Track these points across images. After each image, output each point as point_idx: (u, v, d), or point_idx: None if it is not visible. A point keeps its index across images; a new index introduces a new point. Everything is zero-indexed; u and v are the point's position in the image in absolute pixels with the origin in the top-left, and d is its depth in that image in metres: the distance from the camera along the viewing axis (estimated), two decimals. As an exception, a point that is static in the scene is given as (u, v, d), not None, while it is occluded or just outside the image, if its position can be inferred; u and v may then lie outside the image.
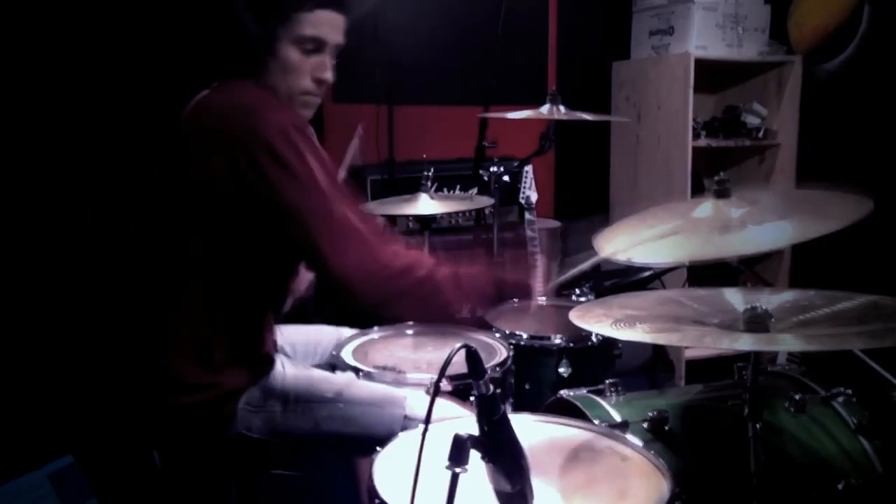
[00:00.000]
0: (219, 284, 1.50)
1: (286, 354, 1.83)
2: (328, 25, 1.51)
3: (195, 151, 1.49)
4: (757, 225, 1.29)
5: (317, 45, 1.51)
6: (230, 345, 1.52)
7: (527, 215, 2.64)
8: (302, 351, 1.89)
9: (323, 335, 1.96)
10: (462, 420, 1.33)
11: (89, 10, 2.56)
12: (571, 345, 2.08)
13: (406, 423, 1.53)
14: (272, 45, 1.48)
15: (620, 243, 1.36)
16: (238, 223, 1.45)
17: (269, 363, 1.60)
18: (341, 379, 1.66)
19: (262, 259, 1.51)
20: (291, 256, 1.61)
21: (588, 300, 2.29)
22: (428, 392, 1.62)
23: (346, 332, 1.99)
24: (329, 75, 1.55)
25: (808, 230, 1.23)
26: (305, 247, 1.43)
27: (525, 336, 2.09)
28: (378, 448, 1.25)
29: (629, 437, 1.30)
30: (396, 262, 1.46)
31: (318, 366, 1.85)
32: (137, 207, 1.57)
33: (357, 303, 1.45)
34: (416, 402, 1.57)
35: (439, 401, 1.58)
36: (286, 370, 1.59)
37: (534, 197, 2.64)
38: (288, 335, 1.87)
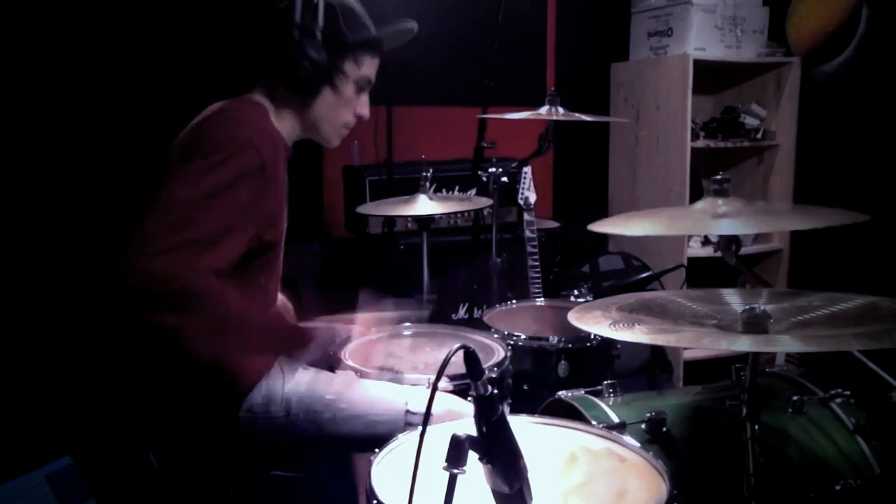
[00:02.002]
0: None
1: None
2: (375, 68, 1.66)
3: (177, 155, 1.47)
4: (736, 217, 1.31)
5: (366, 85, 1.65)
6: (232, 351, 1.51)
7: (525, 216, 2.64)
8: None
9: (315, 329, 1.95)
10: (460, 421, 1.33)
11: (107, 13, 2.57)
12: (570, 346, 2.08)
13: (408, 418, 1.53)
14: (334, 78, 1.58)
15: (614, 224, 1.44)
16: None
17: (268, 367, 1.59)
18: (341, 379, 1.66)
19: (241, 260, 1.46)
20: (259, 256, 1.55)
21: (586, 301, 2.29)
22: (427, 388, 1.63)
23: (341, 325, 1.97)
24: (367, 112, 1.68)
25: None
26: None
27: (523, 336, 2.10)
28: (377, 449, 1.25)
29: (627, 437, 1.30)
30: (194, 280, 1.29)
31: (314, 363, 1.85)
32: (138, 207, 1.56)
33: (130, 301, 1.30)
34: (417, 398, 1.58)
35: (440, 394, 1.59)
36: (285, 373, 1.59)
37: (532, 198, 2.65)
38: None
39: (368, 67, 1.63)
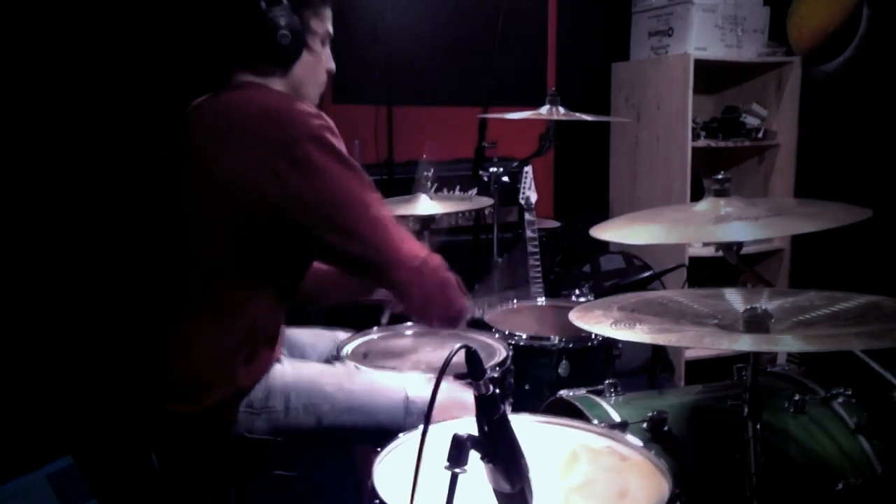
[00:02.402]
0: (233, 286, 1.48)
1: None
2: (330, 19, 1.64)
3: (222, 153, 1.46)
4: (743, 220, 1.30)
5: (327, 38, 1.64)
6: (240, 349, 1.51)
7: (526, 216, 2.64)
8: (299, 353, 1.89)
9: (319, 338, 1.96)
10: (461, 420, 1.33)
11: (92, 7, 2.56)
12: (571, 345, 2.08)
13: (408, 406, 1.53)
14: (307, 38, 1.58)
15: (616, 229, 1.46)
16: (264, 226, 1.44)
17: (272, 364, 1.59)
18: (341, 370, 1.66)
19: (280, 261, 1.50)
20: (307, 258, 1.60)
21: (587, 301, 2.29)
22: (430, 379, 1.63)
23: (343, 334, 1.99)
24: (333, 65, 1.68)
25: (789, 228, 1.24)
26: (360, 255, 1.46)
27: (524, 336, 2.10)
28: (379, 448, 1.25)
29: (629, 436, 1.30)
30: (423, 254, 1.51)
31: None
32: (142, 207, 1.57)
33: (409, 298, 1.52)
34: (416, 385, 1.57)
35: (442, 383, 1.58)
36: (285, 366, 1.58)
37: (533, 197, 2.65)
38: (284, 337, 1.87)
39: (327, 20, 1.62)
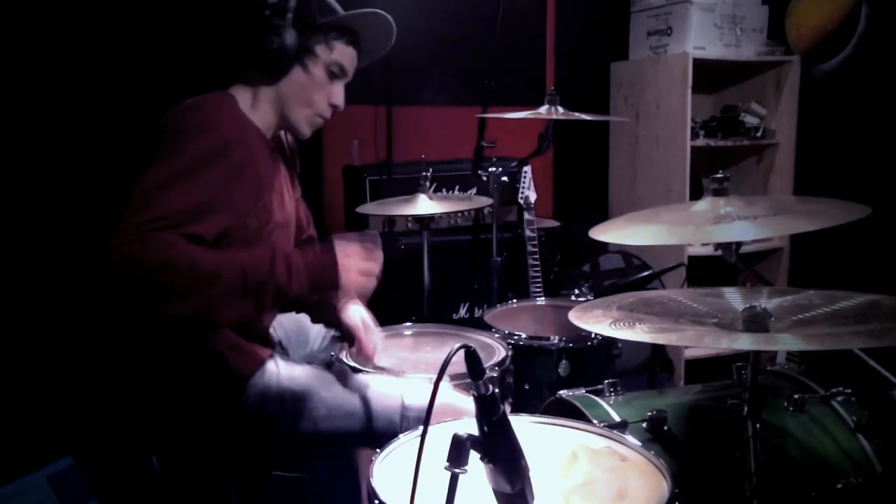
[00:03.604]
0: None
1: (282, 346, 1.83)
2: (351, 58, 1.65)
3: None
4: (743, 220, 1.31)
5: (340, 72, 1.64)
6: (229, 349, 1.52)
7: (525, 215, 2.64)
8: (295, 340, 1.89)
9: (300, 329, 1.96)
10: (462, 421, 1.33)
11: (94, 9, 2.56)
12: (570, 345, 2.08)
13: (405, 412, 1.53)
14: (304, 58, 1.59)
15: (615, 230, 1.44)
16: None
17: (265, 358, 1.59)
18: (337, 375, 1.66)
19: None
20: None
21: (587, 300, 2.29)
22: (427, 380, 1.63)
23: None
24: (343, 102, 1.67)
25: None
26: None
27: (524, 336, 2.10)
28: (377, 449, 1.25)
29: (628, 436, 1.30)
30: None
31: (313, 356, 1.85)
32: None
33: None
34: (413, 391, 1.57)
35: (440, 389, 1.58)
36: (280, 369, 1.58)
37: (532, 197, 2.65)
38: (280, 323, 1.86)
39: (341, 54, 1.62)
